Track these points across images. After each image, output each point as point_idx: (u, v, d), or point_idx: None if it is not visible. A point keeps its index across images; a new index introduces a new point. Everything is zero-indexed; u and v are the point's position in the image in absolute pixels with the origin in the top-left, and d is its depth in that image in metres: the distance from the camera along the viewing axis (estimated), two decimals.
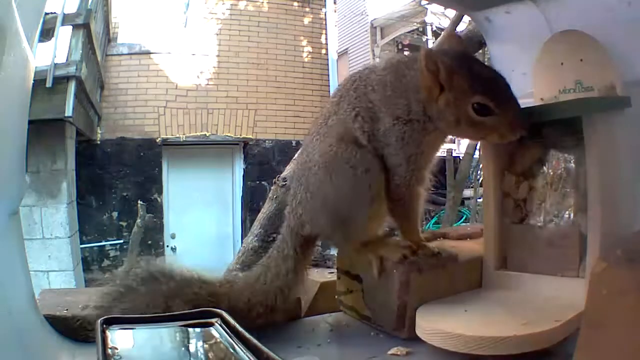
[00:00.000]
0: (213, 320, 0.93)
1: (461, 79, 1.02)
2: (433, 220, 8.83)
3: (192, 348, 0.92)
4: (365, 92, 1.13)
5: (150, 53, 7.50)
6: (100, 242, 7.03)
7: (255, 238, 2.69)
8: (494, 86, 1.04)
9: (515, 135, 1.05)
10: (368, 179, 1.08)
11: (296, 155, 1.20)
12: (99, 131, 7.20)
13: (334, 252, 1.54)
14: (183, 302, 1.06)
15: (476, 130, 1.07)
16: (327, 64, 8.62)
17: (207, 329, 0.92)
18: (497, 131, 1.05)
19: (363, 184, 1.08)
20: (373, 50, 12.64)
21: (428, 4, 10.82)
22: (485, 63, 1.33)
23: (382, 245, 1.15)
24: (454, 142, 10.79)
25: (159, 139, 7.52)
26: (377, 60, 12.03)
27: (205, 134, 7.76)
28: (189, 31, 7.82)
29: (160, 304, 1.06)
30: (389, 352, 1.01)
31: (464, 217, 8.47)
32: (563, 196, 1.13)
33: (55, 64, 5.06)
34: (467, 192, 7.95)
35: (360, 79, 1.16)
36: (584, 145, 1.04)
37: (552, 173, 1.16)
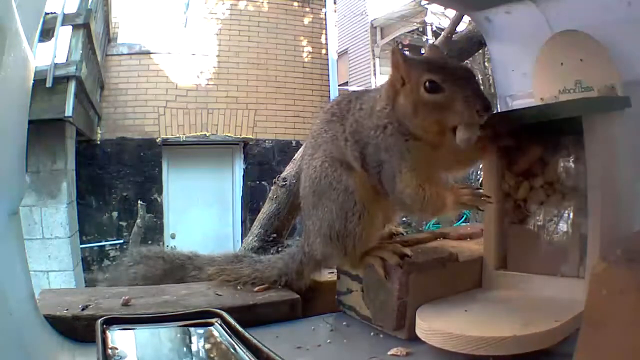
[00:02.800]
0: (213, 320, 0.93)
1: (416, 66, 1.07)
2: (433, 220, 8.82)
3: (192, 348, 0.92)
4: (354, 114, 1.18)
5: (150, 53, 7.50)
6: (100, 242, 7.03)
7: (255, 238, 2.69)
8: (447, 69, 1.07)
9: (473, 115, 1.00)
10: (353, 198, 1.13)
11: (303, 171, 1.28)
12: (99, 131, 7.19)
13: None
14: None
15: (434, 113, 1.05)
16: (327, 64, 8.62)
17: (207, 329, 0.92)
18: (453, 109, 1.02)
19: (348, 203, 1.13)
20: (373, 50, 12.63)
21: (428, 4, 10.80)
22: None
23: (381, 249, 1.16)
24: None
25: (159, 139, 7.52)
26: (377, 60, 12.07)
27: (205, 134, 7.76)
28: (189, 31, 7.82)
29: None
30: (389, 353, 1.01)
31: (464, 217, 8.46)
32: (563, 196, 1.13)
33: (55, 64, 5.06)
34: None
35: (356, 99, 1.21)
36: (584, 145, 1.04)
37: (552, 173, 1.16)
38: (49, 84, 4.92)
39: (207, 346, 0.90)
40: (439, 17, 11.16)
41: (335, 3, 9.08)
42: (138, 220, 5.83)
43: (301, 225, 1.32)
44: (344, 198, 1.13)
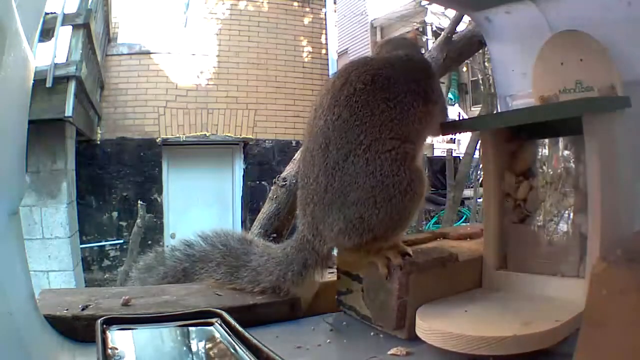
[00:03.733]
0: (213, 320, 0.93)
1: None
2: (433, 220, 8.84)
3: (192, 348, 0.92)
4: None
5: (150, 53, 7.50)
6: (100, 242, 7.03)
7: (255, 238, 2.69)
8: None
9: None
10: (416, 205, 1.09)
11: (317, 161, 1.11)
12: (99, 131, 7.20)
13: (334, 252, 1.54)
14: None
15: None
16: (327, 64, 8.62)
17: (207, 328, 0.92)
18: None
19: (410, 209, 1.09)
20: (373, 50, 12.64)
21: (428, 4, 10.82)
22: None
23: (387, 248, 1.14)
24: (454, 142, 10.79)
25: (159, 139, 7.52)
26: None
27: (205, 134, 7.77)
28: (189, 31, 7.82)
29: None
30: (389, 352, 1.01)
31: (464, 217, 8.48)
32: (563, 196, 1.13)
33: (55, 64, 5.06)
34: (467, 192, 7.96)
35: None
36: (584, 145, 1.04)
37: (552, 173, 1.16)
38: (49, 84, 4.93)
39: (207, 346, 0.90)
40: (439, 17, 11.18)
41: (335, 3, 9.10)
42: (138, 220, 5.83)
43: (311, 219, 1.12)
44: (410, 205, 1.07)
